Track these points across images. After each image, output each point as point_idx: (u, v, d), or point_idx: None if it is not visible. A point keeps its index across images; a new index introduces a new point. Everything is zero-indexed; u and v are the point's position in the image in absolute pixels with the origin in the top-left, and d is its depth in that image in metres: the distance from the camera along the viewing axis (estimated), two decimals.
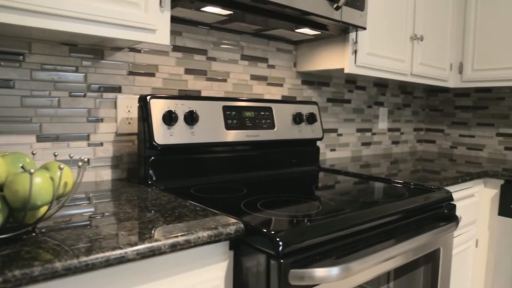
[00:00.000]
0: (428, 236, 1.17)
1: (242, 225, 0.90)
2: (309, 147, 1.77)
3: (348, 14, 1.51)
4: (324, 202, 1.17)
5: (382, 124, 2.49)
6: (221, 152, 1.47)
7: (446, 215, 1.34)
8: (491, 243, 1.95)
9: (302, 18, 1.46)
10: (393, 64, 1.92)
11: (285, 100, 1.68)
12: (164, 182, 1.32)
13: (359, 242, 1.03)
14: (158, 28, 1.13)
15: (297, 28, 1.58)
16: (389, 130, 2.57)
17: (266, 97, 1.83)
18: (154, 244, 0.76)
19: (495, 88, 2.51)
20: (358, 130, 2.34)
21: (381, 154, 2.46)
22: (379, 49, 1.83)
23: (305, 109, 1.74)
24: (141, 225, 0.86)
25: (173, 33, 1.51)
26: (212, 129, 1.42)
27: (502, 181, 1.90)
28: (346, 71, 1.71)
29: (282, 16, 1.43)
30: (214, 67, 1.64)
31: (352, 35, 1.71)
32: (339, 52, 1.74)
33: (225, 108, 1.47)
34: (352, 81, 2.26)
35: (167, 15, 1.15)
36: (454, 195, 1.72)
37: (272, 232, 0.86)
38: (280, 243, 0.84)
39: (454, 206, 1.38)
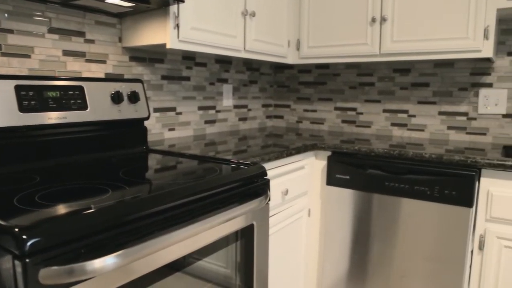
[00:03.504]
0: (231, 212, 1.15)
1: None
2: (133, 127, 1.66)
3: None
4: (119, 188, 1.08)
5: (227, 101, 2.48)
6: (14, 137, 1.29)
7: (258, 191, 1.36)
8: (322, 212, 2.07)
9: None
10: (224, 39, 1.89)
11: (101, 78, 1.55)
12: None
13: (152, 226, 0.97)
14: None
15: None
16: (235, 107, 2.57)
17: (86, 75, 1.67)
18: None
19: (332, 65, 2.65)
20: (200, 108, 2.29)
21: (227, 132, 2.46)
22: (206, 24, 1.77)
23: (126, 88, 1.62)
24: None
25: None
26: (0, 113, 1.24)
27: (329, 153, 2.02)
28: (168, 46, 1.63)
29: None
30: (11, 40, 1.43)
31: (174, 8, 1.62)
32: (161, 26, 1.64)
33: (18, 88, 1.29)
34: (191, 57, 2.19)
35: None
36: (283, 169, 1.77)
37: (17, 229, 0.75)
38: (28, 241, 0.74)
39: (268, 181, 1.40)
